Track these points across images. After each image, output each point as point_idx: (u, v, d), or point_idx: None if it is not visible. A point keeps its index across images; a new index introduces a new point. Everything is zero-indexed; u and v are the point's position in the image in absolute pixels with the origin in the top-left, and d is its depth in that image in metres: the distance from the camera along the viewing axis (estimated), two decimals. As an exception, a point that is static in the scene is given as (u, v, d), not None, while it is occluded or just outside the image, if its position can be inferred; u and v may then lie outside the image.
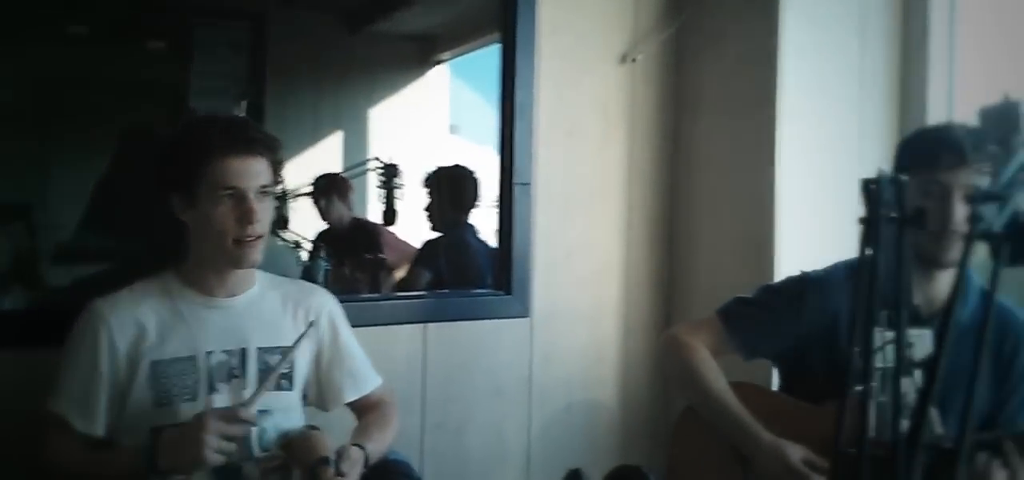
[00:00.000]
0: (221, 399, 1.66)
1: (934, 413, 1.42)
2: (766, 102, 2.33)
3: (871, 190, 0.93)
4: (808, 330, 1.79)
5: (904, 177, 0.94)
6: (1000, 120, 1.41)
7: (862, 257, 0.92)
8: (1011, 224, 0.95)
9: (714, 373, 1.80)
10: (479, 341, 2.40)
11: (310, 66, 3.23)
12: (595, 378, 2.57)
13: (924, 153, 1.68)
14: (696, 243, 2.59)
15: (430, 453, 2.32)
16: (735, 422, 1.74)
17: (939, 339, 1.42)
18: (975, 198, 0.90)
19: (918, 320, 1.70)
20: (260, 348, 1.72)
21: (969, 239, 0.90)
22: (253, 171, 1.65)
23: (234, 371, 1.69)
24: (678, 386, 1.94)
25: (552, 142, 2.46)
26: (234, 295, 1.74)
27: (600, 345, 2.58)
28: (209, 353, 1.68)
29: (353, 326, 1.89)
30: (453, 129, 3.54)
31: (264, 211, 1.67)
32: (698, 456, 1.83)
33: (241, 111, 2.74)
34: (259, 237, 1.67)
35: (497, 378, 2.42)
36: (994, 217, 1.00)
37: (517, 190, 2.38)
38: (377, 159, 3.21)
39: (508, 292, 2.40)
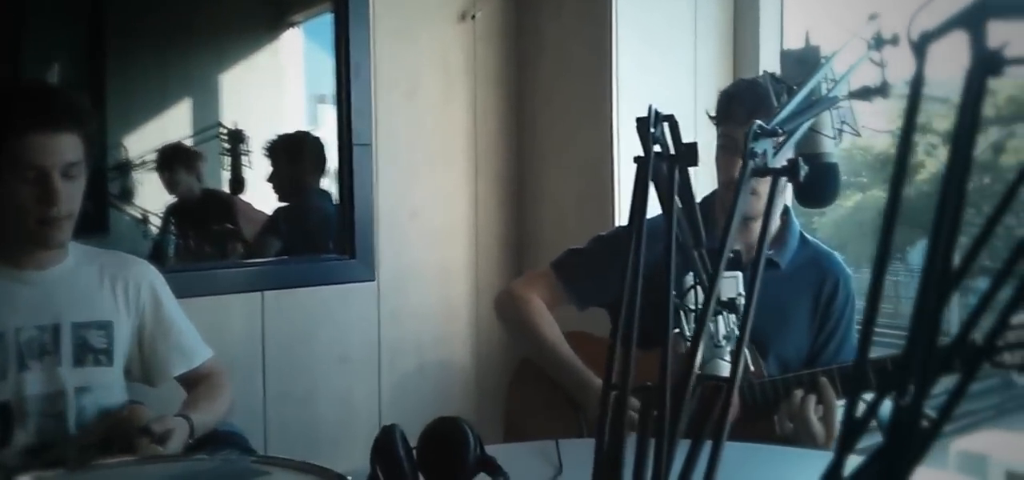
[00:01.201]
0: (33, 378, 1.58)
1: (746, 352, 1.48)
2: (602, 57, 2.36)
3: (641, 128, 0.94)
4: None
5: (674, 115, 0.96)
6: (799, 64, 1.46)
7: (635, 196, 0.94)
8: (795, 163, 0.98)
9: (548, 324, 1.82)
10: (323, 307, 2.36)
11: (153, 28, 3.07)
12: (447, 338, 2.57)
13: (721, 106, 1.75)
14: (544, 200, 2.62)
15: (276, 423, 2.27)
16: (568, 370, 1.76)
17: (750, 282, 1.49)
18: (747, 134, 0.93)
19: (738, 265, 1.77)
20: (74, 323, 1.63)
21: (741, 177, 0.92)
22: (58, 148, 1.55)
23: (46, 347, 1.60)
24: (515, 338, 1.96)
25: (392, 102, 2.42)
26: (44, 268, 1.64)
27: (451, 305, 2.57)
28: (18, 329, 1.59)
29: (190, 296, 1.82)
30: (321, 99, 3.45)
31: (72, 190, 1.57)
32: (534, 405, 1.86)
33: (53, 76, 2.57)
34: (66, 217, 1.58)
35: (344, 344, 2.39)
36: (770, 153, 1.03)
37: (356, 151, 2.34)
38: (220, 126, 3.09)
39: (352, 256, 2.36)
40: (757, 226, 1.81)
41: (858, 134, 1.81)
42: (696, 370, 0.94)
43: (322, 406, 2.37)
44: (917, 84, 0.55)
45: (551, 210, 2.59)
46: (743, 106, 1.66)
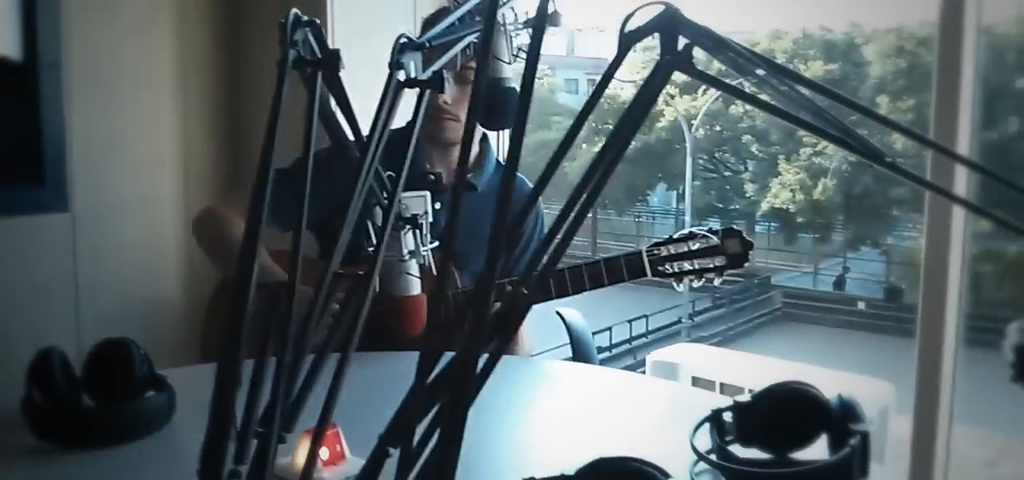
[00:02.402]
0: None
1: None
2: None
3: (281, 33, 0.95)
4: (334, 195, 1.85)
5: (317, 20, 0.97)
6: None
7: (274, 101, 0.94)
8: (439, 75, 1.02)
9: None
10: (12, 239, 2.18)
11: None
12: (155, 274, 2.47)
13: (422, 30, 1.80)
14: (258, 129, 2.55)
15: (-45, 366, 2.08)
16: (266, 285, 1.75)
17: (453, 206, 1.56)
18: (393, 48, 0.95)
19: (437, 187, 1.84)
20: None
21: (386, 90, 0.95)
22: None
23: None
24: (213, 258, 1.92)
25: (88, 21, 2.26)
26: None
27: (158, 239, 2.47)
28: None
29: None
30: None
31: None
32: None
33: None
34: None
35: (37, 279, 2.23)
36: (416, 66, 1.07)
37: (44, 73, 2.16)
38: None
39: (41, 185, 2.20)
40: (458, 150, 1.90)
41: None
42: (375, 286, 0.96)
43: (18, 346, 2.20)
44: (612, 69, 0.66)
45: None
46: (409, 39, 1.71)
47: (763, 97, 0.91)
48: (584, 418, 1.38)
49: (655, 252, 1.63)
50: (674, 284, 1.65)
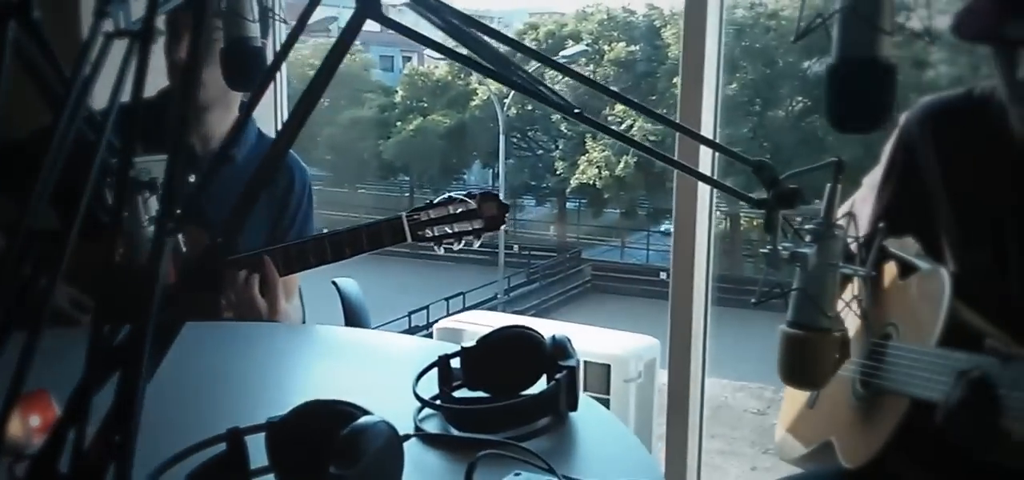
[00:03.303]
0: None
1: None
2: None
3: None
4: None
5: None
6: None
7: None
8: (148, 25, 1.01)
9: None
10: None
11: None
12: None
13: None
14: None
15: None
16: None
17: (206, 173, 1.55)
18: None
19: (193, 160, 1.82)
20: None
21: (91, 38, 0.94)
22: None
23: None
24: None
25: None
26: None
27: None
28: None
29: None
30: None
31: None
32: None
33: None
34: None
35: None
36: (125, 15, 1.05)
37: None
38: None
39: None
40: (211, 117, 1.88)
41: (285, 22, 1.94)
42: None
43: None
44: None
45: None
46: None
47: (464, 52, 0.98)
48: (326, 375, 1.43)
49: (415, 217, 1.68)
50: (435, 247, 1.71)
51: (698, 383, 2.48)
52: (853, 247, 1.44)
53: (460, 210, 1.68)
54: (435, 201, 1.71)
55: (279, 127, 2.85)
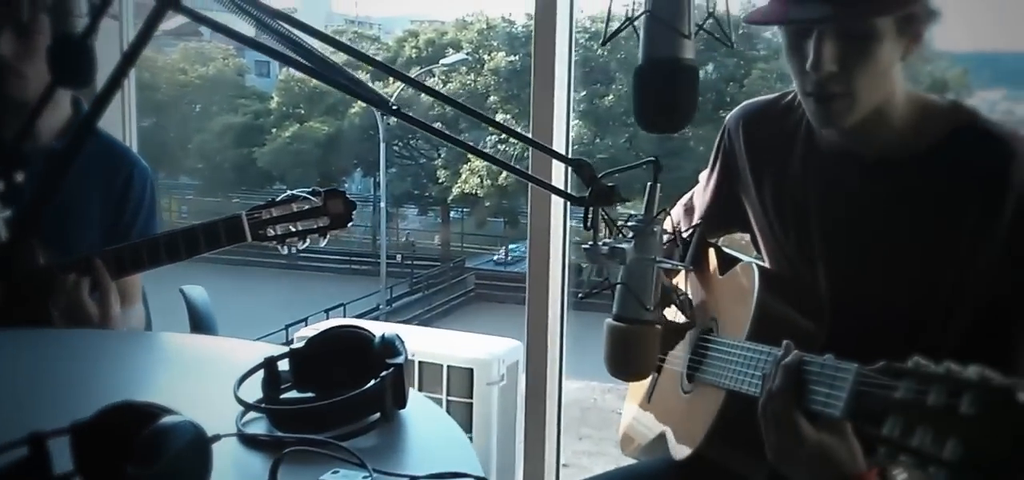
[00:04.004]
0: None
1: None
2: None
3: None
4: None
5: None
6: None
7: None
8: None
9: None
10: None
11: None
12: None
13: None
14: None
15: None
16: None
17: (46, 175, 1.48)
18: None
19: (21, 158, 1.73)
20: None
21: None
22: None
23: None
24: None
25: None
26: None
27: None
28: None
29: None
30: None
31: None
32: None
33: None
34: None
35: None
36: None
37: None
38: None
39: None
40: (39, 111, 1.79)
41: (115, 17, 1.88)
42: None
43: None
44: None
45: None
46: None
47: (284, 50, 0.98)
48: (151, 380, 1.40)
49: (256, 215, 1.63)
50: (278, 247, 1.66)
51: (555, 383, 2.53)
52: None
53: (305, 207, 1.64)
54: (277, 199, 1.66)
55: (126, 130, 2.76)
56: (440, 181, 16.94)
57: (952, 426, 0.79)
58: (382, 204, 16.97)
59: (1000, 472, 0.76)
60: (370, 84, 1.11)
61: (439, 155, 17.23)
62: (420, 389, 2.53)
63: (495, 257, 17.78)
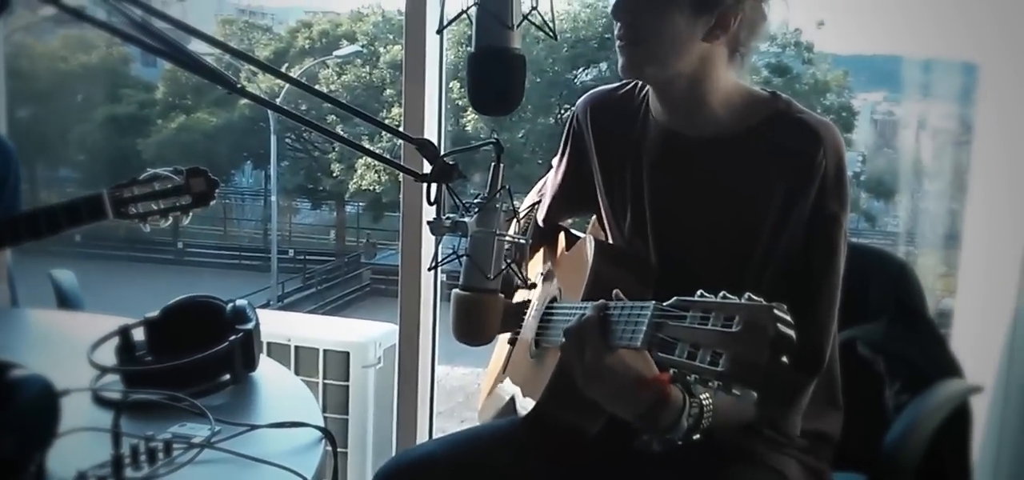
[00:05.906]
0: None
1: None
2: None
3: None
4: None
5: None
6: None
7: None
8: None
9: None
10: None
11: None
12: None
13: None
14: None
15: None
16: None
17: None
18: None
19: None
20: None
21: None
22: None
23: None
24: None
25: None
26: None
27: None
28: None
29: None
30: None
31: None
32: None
33: None
34: None
35: None
36: None
37: None
38: None
39: None
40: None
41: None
42: None
43: None
44: None
45: None
46: None
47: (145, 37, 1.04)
48: (9, 353, 1.42)
49: (117, 193, 1.64)
50: (140, 225, 1.67)
51: (428, 365, 2.62)
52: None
53: (168, 186, 1.66)
54: (140, 177, 1.68)
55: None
56: (334, 175, 16.73)
57: (725, 345, 0.93)
58: (273, 198, 16.67)
59: (761, 374, 0.90)
60: (262, 73, 1.17)
61: (333, 148, 17.02)
62: (297, 373, 2.58)
63: (393, 251, 17.71)
